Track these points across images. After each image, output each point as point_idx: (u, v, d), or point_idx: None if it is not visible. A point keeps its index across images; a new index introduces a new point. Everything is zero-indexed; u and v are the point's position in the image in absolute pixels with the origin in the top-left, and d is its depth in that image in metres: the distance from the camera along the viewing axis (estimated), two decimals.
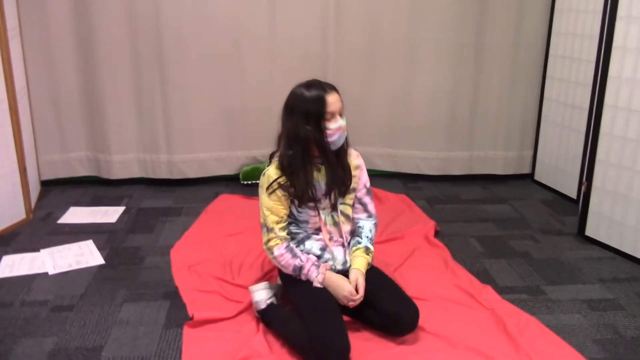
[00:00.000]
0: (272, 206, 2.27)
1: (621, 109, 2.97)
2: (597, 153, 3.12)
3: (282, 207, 2.28)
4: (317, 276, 2.26)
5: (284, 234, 2.30)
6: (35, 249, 3.06)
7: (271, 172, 2.27)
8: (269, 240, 2.29)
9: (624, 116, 2.96)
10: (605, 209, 3.13)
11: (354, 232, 2.44)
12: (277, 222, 2.28)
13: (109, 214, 3.55)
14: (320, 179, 2.32)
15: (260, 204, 2.31)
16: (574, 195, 3.80)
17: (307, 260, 2.28)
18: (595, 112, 3.12)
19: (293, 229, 2.36)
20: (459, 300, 2.56)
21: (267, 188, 2.26)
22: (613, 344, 2.30)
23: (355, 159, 2.42)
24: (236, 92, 3.99)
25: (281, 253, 2.27)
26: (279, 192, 2.25)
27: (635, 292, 2.70)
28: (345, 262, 2.37)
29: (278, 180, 2.24)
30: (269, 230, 2.28)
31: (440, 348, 2.23)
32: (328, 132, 2.20)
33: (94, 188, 4.01)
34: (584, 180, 3.32)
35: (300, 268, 2.26)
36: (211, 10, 3.79)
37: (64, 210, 3.61)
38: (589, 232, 3.23)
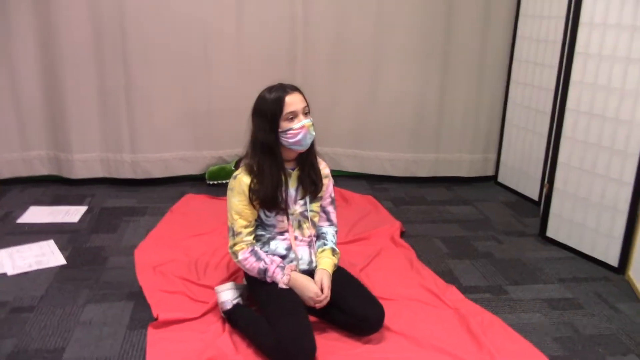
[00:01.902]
0: (241, 210, 2.25)
1: (583, 113, 3.04)
2: (559, 156, 3.19)
3: (251, 211, 2.27)
4: (282, 278, 2.25)
5: (250, 238, 2.29)
6: None
7: (242, 175, 2.26)
8: (234, 245, 2.28)
9: (585, 120, 3.04)
10: (566, 211, 3.21)
11: (318, 237, 2.45)
12: (245, 227, 2.27)
13: (71, 214, 3.48)
14: (291, 184, 2.32)
15: (228, 207, 2.29)
16: (535, 197, 3.88)
17: (272, 262, 2.27)
18: (558, 116, 3.19)
19: (259, 231, 2.35)
20: (424, 300, 2.59)
21: (238, 192, 2.24)
22: (572, 342, 2.36)
23: (324, 168, 2.43)
24: (203, 92, 3.95)
25: (245, 257, 2.26)
26: (250, 196, 2.23)
27: (594, 292, 2.77)
28: (311, 262, 2.37)
29: (249, 184, 2.23)
30: (236, 234, 2.27)
31: (406, 347, 2.24)
32: (292, 132, 2.20)
33: (55, 187, 3.92)
34: (545, 182, 3.39)
35: (265, 271, 2.26)
36: (177, 11, 3.75)
37: (23, 209, 3.52)
38: (550, 233, 3.31)
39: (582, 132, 3.06)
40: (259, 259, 2.27)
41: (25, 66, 3.71)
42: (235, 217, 2.26)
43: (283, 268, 2.27)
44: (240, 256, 2.27)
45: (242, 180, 2.25)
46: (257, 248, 2.30)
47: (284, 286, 2.25)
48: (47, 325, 2.33)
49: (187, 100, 3.94)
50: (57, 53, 3.68)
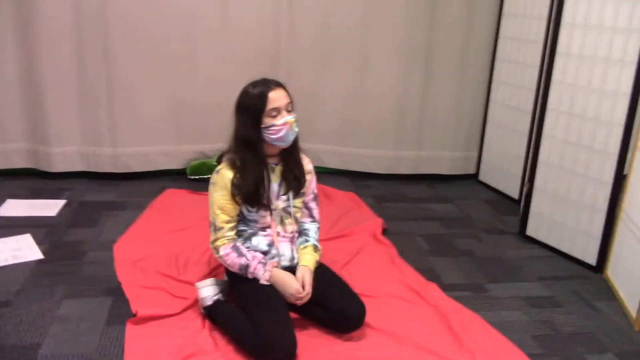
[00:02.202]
0: (223, 205, 2.24)
1: (563, 113, 3.07)
2: (539, 155, 3.22)
3: (233, 206, 2.25)
4: (264, 274, 2.24)
5: (232, 233, 2.27)
6: None
7: (224, 170, 2.24)
8: (216, 240, 2.27)
9: (565, 120, 3.07)
10: (545, 209, 3.23)
11: (300, 233, 2.44)
12: (227, 222, 2.25)
13: (49, 207, 3.43)
14: (274, 179, 2.30)
15: (210, 202, 2.27)
16: (516, 195, 3.91)
17: (253, 258, 2.26)
18: (539, 115, 3.22)
19: (240, 226, 2.33)
20: (405, 297, 2.59)
21: (221, 186, 2.22)
22: (551, 340, 2.38)
23: (307, 164, 2.42)
24: (186, 86, 3.91)
25: (227, 252, 2.25)
26: (232, 191, 2.22)
27: (572, 290, 2.80)
28: (292, 259, 2.36)
29: (231, 179, 2.21)
30: (217, 229, 2.26)
31: (386, 344, 2.25)
32: (274, 128, 2.19)
33: (33, 180, 3.86)
34: (526, 181, 3.42)
35: (247, 267, 2.24)
36: (161, 3, 3.70)
37: (0, 202, 3.46)
38: (530, 231, 3.34)
39: (563, 132, 3.09)
40: (240, 254, 2.25)
41: (2, 56, 3.63)
42: (218, 212, 2.24)
43: (265, 264, 2.26)
44: (222, 252, 2.25)
45: (224, 174, 2.23)
46: (238, 244, 2.29)
47: (265, 282, 2.24)
48: (23, 321, 2.29)
49: (169, 93, 3.90)
50: (36, 43, 3.61)
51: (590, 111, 2.95)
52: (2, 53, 3.63)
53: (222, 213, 2.24)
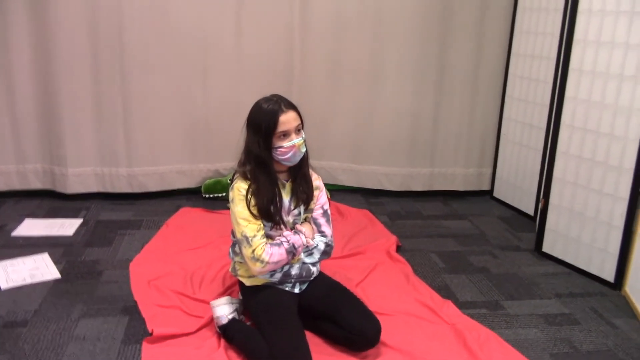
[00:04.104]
0: (248, 216, 2.24)
1: (577, 129, 3.06)
2: (554, 171, 3.21)
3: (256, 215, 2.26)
4: (302, 239, 2.29)
5: (264, 240, 2.25)
6: None
7: (238, 184, 2.26)
8: (254, 250, 2.21)
9: (579, 136, 3.06)
10: (561, 226, 3.21)
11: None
12: (258, 230, 2.24)
13: (66, 227, 3.46)
14: (285, 194, 2.32)
15: (233, 220, 2.27)
16: (531, 212, 3.89)
17: (286, 238, 2.27)
18: (553, 131, 3.21)
19: None
20: (421, 315, 2.58)
21: (240, 199, 2.24)
22: (569, 358, 2.35)
23: (315, 180, 2.43)
24: (200, 104, 3.96)
25: (271, 253, 2.22)
26: (252, 201, 2.23)
27: (590, 307, 2.77)
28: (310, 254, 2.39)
29: (246, 189, 2.23)
30: (251, 239, 2.22)
31: None
32: (282, 149, 2.21)
33: (50, 200, 3.90)
34: (541, 197, 3.40)
35: (292, 247, 2.26)
36: (176, 22, 3.76)
37: (18, 222, 3.50)
38: (546, 248, 3.31)
39: (577, 148, 3.08)
40: (279, 245, 2.25)
41: (20, 77, 3.69)
42: (244, 223, 2.23)
43: (296, 233, 2.31)
44: (266, 256, 2.20)
45: (239, 187, 2.25)
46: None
47: (312, 243, 2.33)
48: (41, 340, 2.31)
49: (183, 112, 3.94)
50: (53, 65, 3.67)
51: (605, 127, 2.94)
52: (19, 74, 3.69)
53: (250, 223, 2.23)
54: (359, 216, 3.78)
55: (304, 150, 2.28)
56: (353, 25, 3.97)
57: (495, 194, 4.29)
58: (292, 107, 2.25)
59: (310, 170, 2.41)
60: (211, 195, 4.02)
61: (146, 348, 2.27)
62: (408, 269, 3.05)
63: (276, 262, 2.24)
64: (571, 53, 3.05)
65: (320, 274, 2.47)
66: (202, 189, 4.07)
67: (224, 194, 3.98)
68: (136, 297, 2.65)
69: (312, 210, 2.43)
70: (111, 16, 3.65)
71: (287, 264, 2.31)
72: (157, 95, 3.85)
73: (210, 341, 2.31)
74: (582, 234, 3.10)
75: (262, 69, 3.95)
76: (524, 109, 3.91)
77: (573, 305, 2.79)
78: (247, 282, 2.36)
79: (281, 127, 2.20)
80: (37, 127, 3.83)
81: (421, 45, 4.01)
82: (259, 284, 2.34)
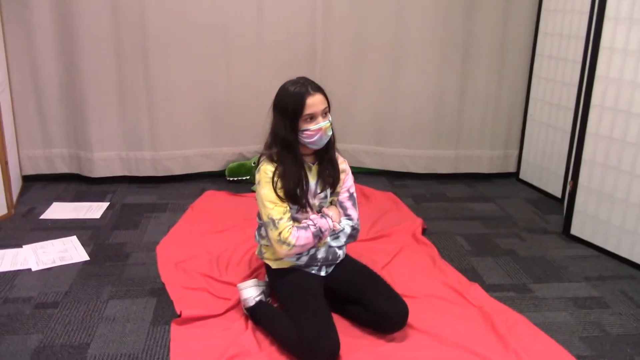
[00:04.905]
0: (274, 198, 2.23)
1: (607, 109, 3.00)
2: (583, 152, 3.15)
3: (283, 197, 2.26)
4: (329, 223, 2.29)
5: (291, 222, 2.24)
6: (17, 244, 3.00)
7: (264, 166, 2.25)
8: (280, 233, 2.20)
9: (610, 116, 2.99)
10: (590, 208, 3.16)
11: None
12: (284, 212, 2.23)
13: (93, 210, 3.50)
14: (311, 177, 2.31)
15: (260, 202, 2.26)
16: (558, 194, 3.83)
17: (314, 222, 2.26)
18: (582, 112, 3.15)
19: None
20: (447, 298, 2.57)
21: (266, 182, 2.23)
22: (599, 342, 2.32)
23: (341, 163, 2.42)
24: (222, 88, 3.95)
25: (297, 236, 2.21)
26: (279, 184, 2.23)
27: (620, 290, 2.73)
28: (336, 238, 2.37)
29: (273, 171, 2.23)
30: (277, 222, 2.21)
31: (429, 345, 2.23)
32: (308, 132, 2.20)
33: (76, 184, 3.95)
34: (569, 179, 3.35)
35: (319, 230, 2.26)
36: (198, 6, 3.75)
37: (46, 205, 3.55)
38: (574, 230, 3.26)
39: (607, 128, 3.01)
40: (305, 228, 2.25)
41: (45, 63, 3.72)
42: (271, 206, 2.22)
43: (323, 216, 2.30)
44: (293, 239, 2.20)
45: (266, 169, 2.24)
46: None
47: (339, 227, 2.32)
48: (72, 321, 2.35)
49: (206, 96, 3.94)
50: (77, 49, 3.68)
51: (637, 107, 2.86)
52: (45, 61, 3.72)
53: (276, 206, 2.23)
54: (384, 199, 3.76)
55: (330, 133, 2.26)
56: (376, 6, 3.92)
57: (522, 176, 4.24)
58: (319, 89, 2.23)
59: (337, 154, 2.40)
60: (235, 179, 4.03)
61: (175, 329, 2.29)
62: (434, 251, 3.03)
63: (302, 245, 2.23)
64: (602, 31, 2.97)
65: (347, 257, 2.46)
66: (226, 172, 4.08)
67: (247, 177, 3.99)
68: (164, 279, 2.68)
69: (338, 194, 2.41)
70: (133, 1, 3.65)
71: (313, 247, 2.30)
72: (180, 80, 3.85)
73: (238, 323, 2.32)
74: (612, 216, 3.05)
75: (284, 51, 3.92)
76: (551, 89, 3.83)
77: (603, 288, 2.75)
78: (274, 265, 2.36)
79: (308, 110, 2.18)
80: (63, 113, 3.86)
81: (445, 26, 3.95)
82: (286, 266, 2.34)
